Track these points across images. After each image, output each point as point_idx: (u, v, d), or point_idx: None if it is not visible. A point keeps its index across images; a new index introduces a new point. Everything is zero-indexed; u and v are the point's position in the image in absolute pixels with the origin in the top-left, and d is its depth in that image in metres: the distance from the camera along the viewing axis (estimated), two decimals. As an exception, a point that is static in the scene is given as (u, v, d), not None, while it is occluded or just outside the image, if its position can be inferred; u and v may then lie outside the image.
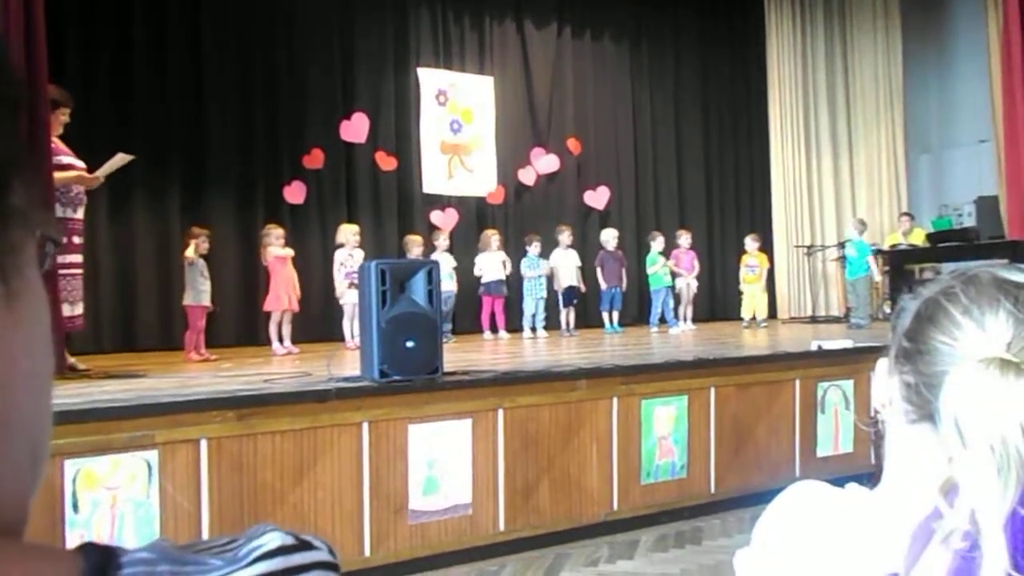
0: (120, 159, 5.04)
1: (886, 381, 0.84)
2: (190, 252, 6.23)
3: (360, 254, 7.16)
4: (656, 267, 8.90)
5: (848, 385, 5.27)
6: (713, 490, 4.80)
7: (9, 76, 0.42)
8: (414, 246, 7.76)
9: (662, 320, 8.83)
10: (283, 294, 6.73)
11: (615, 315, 8.71)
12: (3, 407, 0.40)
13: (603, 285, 8.69)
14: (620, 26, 10.34)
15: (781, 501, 0.89)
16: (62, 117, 4.94)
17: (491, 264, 8.24)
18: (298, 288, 6.92)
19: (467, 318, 8.40)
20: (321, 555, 0.48)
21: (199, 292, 6.23)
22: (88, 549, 0.42)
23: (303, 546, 0.48)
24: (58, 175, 4.66)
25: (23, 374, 0.42)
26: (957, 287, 0.77)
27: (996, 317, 0.73)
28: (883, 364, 0.85)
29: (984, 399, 0.69)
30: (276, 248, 6.81)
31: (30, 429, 0.42)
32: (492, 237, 8.35)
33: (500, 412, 4.17)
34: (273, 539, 0.47)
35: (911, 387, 0.78)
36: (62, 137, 4.99)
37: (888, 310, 9.35)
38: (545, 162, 9.71)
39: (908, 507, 0.76)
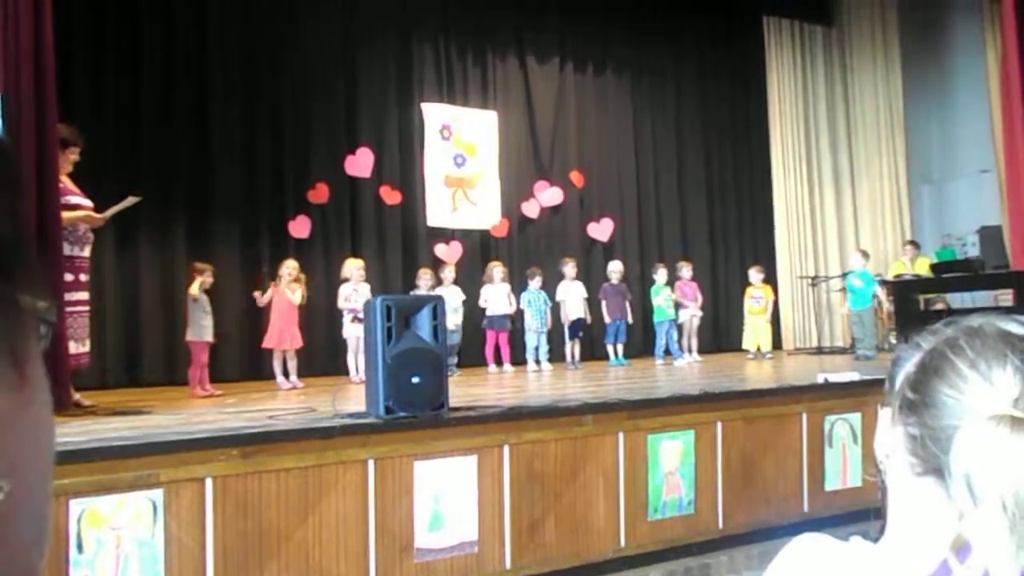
0: (128, 201, 5.09)
1: (889, 432, 0.83)
2: (194, 289, 6.23)
3: (365, 288, 7.17)
4: (660, 298, 8.90)
5: (856, 418, 5.24)
6: (721, 525, 4.76)
7: (11, 162, 0.43)
8: (423, 280, 7.77)
9: (667, 352, 8.81)
10: (277, 331, 6.71)
11: (620, 347, 8.71)
12: (15, 488, 0.40)
13: (607, 318, 8.70)
14: (621, 60, 10.44)
15: (785, 556, 0.88)
16: (72, 156, 5.00)
17: (496, 297, 8.26)
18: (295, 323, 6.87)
19: (471, 351, 8.39)
20: None
21: (201, 327, 6.23)
22: None
23: None
24: (65, 215, 4.70)
25: (32, 456, 0.42)
26: (962, 339, 0.77)
27: (1004, 371, 0.72)
28: (885, 415, 0.84)
29: (995, 457, 0.68)
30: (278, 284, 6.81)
31: (38, 508, 0.43)
32: (495, 269, 8.38)
33: (506, 448, 4.15)
34: None
35: (916, 439, 0.77)
36: (71, 175, 5.04)
37: (894, 341, 9.32)
38: (548, 195, 9.76)
39: (913, 562, 0.75)
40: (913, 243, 10.29)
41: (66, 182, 4.91)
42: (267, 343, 6.77)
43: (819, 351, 9.86)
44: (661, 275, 8.97)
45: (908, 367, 0.81)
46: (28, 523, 0.42)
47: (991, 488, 0.67)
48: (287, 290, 6.79)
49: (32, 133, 4.30)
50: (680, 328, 9.02)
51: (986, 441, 0.69)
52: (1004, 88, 8.77)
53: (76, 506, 3.14)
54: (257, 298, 6.81)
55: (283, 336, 6.68)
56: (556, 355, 8.47)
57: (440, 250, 9.01)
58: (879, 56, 11.39)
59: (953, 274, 9.01)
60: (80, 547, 3.13)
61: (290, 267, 6.87)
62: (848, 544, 0.85)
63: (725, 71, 11.14)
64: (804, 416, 5.10)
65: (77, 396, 4.93)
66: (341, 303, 7.19)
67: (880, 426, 0.84)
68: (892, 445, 0.82)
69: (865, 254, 8.96)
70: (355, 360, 6.91)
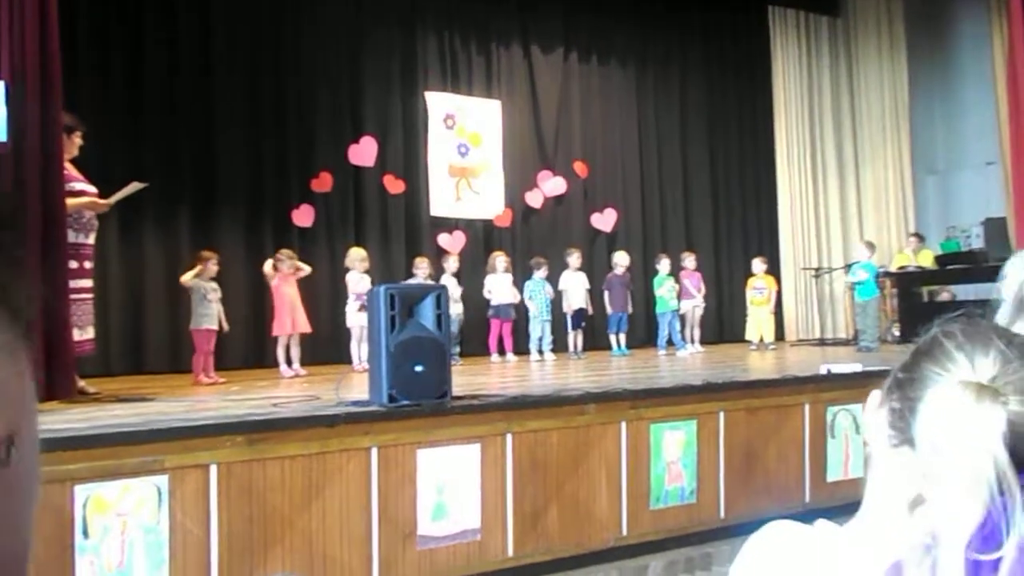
0: (133, 187, 5.10)
1: (875, 412, 0.85)
2: (186, 276, 6.28)
3: (368, 278, 7.18)
4: (662, 289, 8.90)
5: (858, 409, 5.24)
6: (723, 515, 4.78)
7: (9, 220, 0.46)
8: (420, 269, 7.77)
9: (669, 342, 8.82)
10: (287, 318, 6.74)
11: (622, 337, 8.72)
12: (19, 447, 0.42)
13: (609, 310, 8.71)
14: (626, 50, 10.41)
15: (752, 545, 0.91)
16: (76, 140, 5.01)
17: (501, 287, 8.27)
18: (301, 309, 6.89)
19: (474, 340, 8.40)
20: None
21: (200, 316, 6.25)
22: None
23: None
24: (70, 201, 4.71)
25: (31, 419, 0.45)
26: (957, 326, 0.81)
27: (986, 355, 0.76)
28: (875, 396, 0.86)
29: (958, 420, 0.72)
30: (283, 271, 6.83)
31: (36, 468, 0.45)
32: (498, 259, 8.38)
33: (509, 437, 4.17)
34: None
35: (895, 412, 0.80)
36: (75, 161, 5.04)
37: (897, 333, 9.32)
38: (552, 185, 9.75)
39: (880, 536, 0.79)
40: (917, 235, 10.28)
41: (70, 168, 4.92)
42: (276, 331, 6.78)
43: (822, 343, 9.85)
44: (664, 266, 8.98)
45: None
46: (28, 482, 0.45)
47: (951, 449, 0.71)
48: (289, 277, 6.81)
49: (37, 120, 4.30)
50: (683, 319, 9.03)
51: (951, 405, 0.73)
52: (1010, 79, 8.74)
53: (81, 492, 3.16)
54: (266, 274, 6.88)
55: (292, 323, 6.71)
56: (559, 345, 8.48)
57: (443, 240, 9.02)
58: (884, 47, 11.34)
59: (957, 266, 9.01)
60: (86, 532, 3.15)
61: (287, 255, 6.89)
62: (814, 528, 0.87)
63: (730, 61, 11.10)
64: (807, 407, 5.11)
65: (81, 383, 4.95)
66: (351, 291, 7.20)
67: (868, 406, 0.87)
68: (876, 424, 0.84)
69: (870, 245, 8.94)
70: (358, 349, 6.92)
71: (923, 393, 0.77)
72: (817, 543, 0.85)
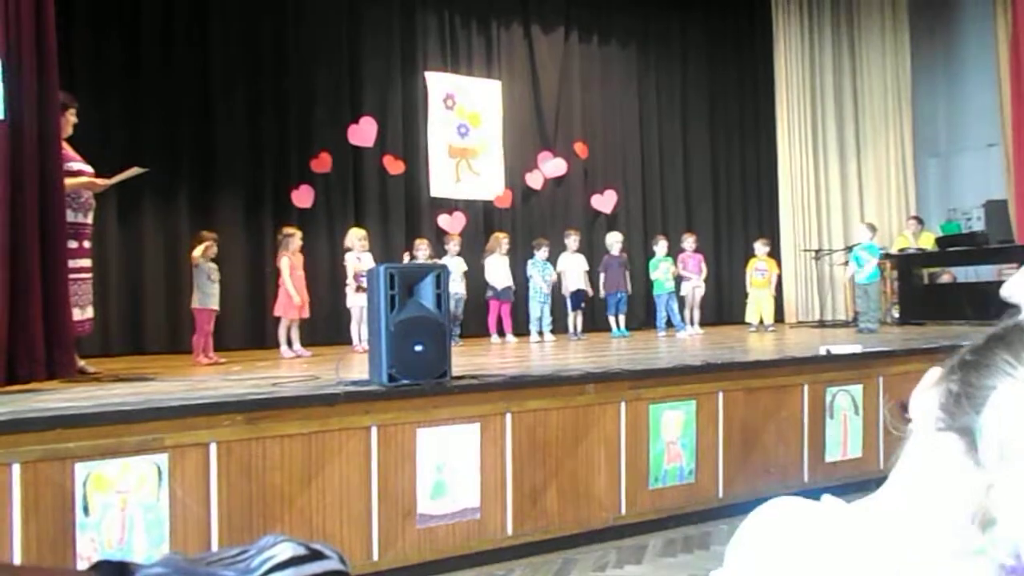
0: (133, 171, 5.08)
1: (928, 390, 0.78)
2: (197, 252, 6.25)
3: (369, 258, 7.17)
4: (658, 272, 8.89)
5: (857, 390, 5.25)
6: (721, 495, 4.79)
7: None
8: (421, 250, 7.76)
9: (669, 324, 8.83)
10: (296, 300, 6.71)
11: (621, 319, 8.72)
12: None
13: (602, 292, 8.70)
14: (627, 30, 10.35)
15: (754, 520, 0.85)
16: (71, 118, 4.98)
17: (499, 268, 8.26)
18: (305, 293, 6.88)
19: (474, 322, 8.41)
20: (333, 564, 0.49)
21: (206, 295, 6.24)
22: (102, 567, 0.43)
23: (315, 556, 0.48)
24: (68, 181, 4.69)
25: None
26: None
27: None
28: (933, 373, 0.79)
29: None
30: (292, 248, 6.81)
31: None
32: (501, 240, 8.38)
33: (508, 416, 4.17)
34: (285, 550, 0.47)
35: (952, 395, 0.73)
36: (71, 140, 5.02)
37: (896, 314, 9.32)
38: (552, 166, 9.73)
39: (907, 520, 0.73)
40: (917, 218, 10.25)
41: (67, 148, 4.89)
42: (282, 313, 6.74)
43: (821, 324, 9.86)
44: (661, 247, 8.96)
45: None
46: None
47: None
48: (291, 258, 6.78)
49: (34, 98, 4.27)
50: (682, 300, 9.02)
51: (1022, 408, 0.65)
52: (1013, 61, 8.70)
53: (82, 470, 3.17)
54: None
55: (300, 306, 6.68)
56: (559, 327, 8.48)
57: (443, 220, 9.00)
58: (887, 27, 11.27)
59: (958, 248, 9.00)
60: (86, 510, 3.16)
61: (288, 232, 6.85)
62: (820, 504, 0.81)
63: (731, 42, 11.04)
64: (805, 387, 5.11)
65: (81, 363, 4.95)
66: (349, 272, 7.18)
67: (923, 382, 0.79)
68: (928, 402, 0.77)
69: (871, 227, 8.91)
70: (358, 330, 6.93)
71: (987, 383, 0.68)
72: (825, 519, 0.79)
